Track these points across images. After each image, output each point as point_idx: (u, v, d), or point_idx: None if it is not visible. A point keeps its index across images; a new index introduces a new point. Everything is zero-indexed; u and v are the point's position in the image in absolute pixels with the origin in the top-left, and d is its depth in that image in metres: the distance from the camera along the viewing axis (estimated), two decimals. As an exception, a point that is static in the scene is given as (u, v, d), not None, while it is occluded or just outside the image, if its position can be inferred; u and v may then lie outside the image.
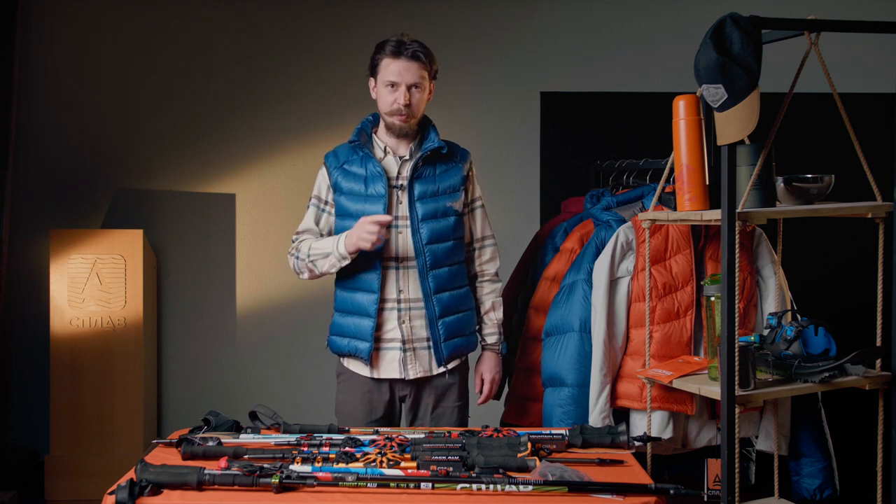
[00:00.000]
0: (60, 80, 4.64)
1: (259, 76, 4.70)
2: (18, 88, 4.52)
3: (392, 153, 2.81)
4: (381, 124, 2.84)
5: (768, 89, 2.47)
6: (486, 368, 2.95)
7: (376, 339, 2.79)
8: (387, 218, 2.65)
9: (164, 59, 4.68)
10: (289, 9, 4.70)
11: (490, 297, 2.95)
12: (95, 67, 4.66)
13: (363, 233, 2.65)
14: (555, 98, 4.70)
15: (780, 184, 2.56)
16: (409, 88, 2.72)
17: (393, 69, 2.72)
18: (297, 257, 2.84)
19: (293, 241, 2.89)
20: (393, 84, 2.73)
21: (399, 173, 2.80)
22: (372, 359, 2.80)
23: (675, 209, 2.71)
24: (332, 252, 2.74)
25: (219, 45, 4.70)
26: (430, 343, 2.81)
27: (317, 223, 2.88)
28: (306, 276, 2.85)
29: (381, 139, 2.84)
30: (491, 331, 2.95)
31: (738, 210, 2.38)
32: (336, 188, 2.82)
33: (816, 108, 3.38)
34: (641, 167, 3.42)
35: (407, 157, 2.81)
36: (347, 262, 2.74)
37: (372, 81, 2.81)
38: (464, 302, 2.87)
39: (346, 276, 2.82)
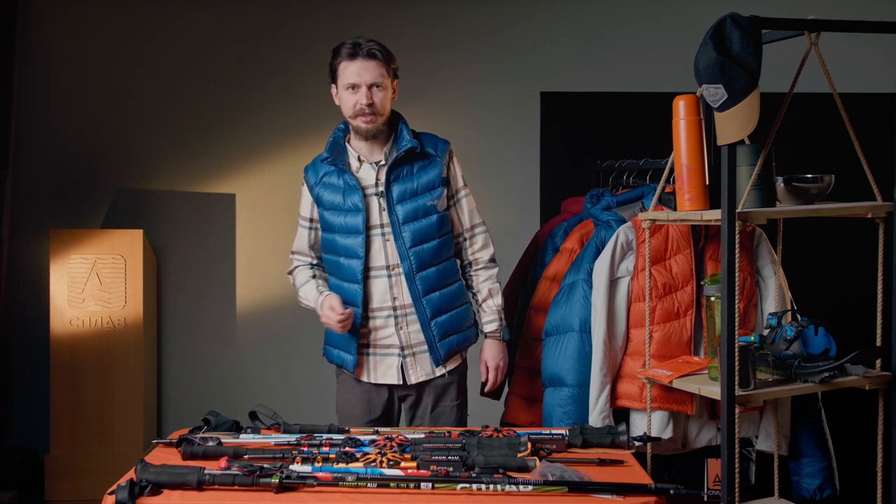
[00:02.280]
0: (60, 80, 4.64)
1: (259, 76, 4.70)
2: (18, 88, 4.52)
3: (367, 160, 2.79)
4: (352, 130, 2.82)
5: (768, 89, 2.47)
6: (489, 356, 2.91)
7: (373, 346, 2.80)
8: (340, 316, 2.70)
9: (165, 59, 4.69)
10: (289, 9, 4.70)
11: (486, 285, 2.90)
12: (95, 67, 4.66)
13: (331, 324, 2.73)
14: (555, 98, 4.70)
15: (780, 184, 2.56)
16: (369, 88, 2.70)
17: (351, 71, 2.70)
18: (294, 283, 2.95)
19: (292, 261, 2.97)
20: (353, 86, 2.70)
21: (378, 179, 2.77)
22: (370, 364, 2.80)
23: (675, 209, 2.71)
24: (316, 308, 2.82)
25: (219, 45, 4.70)
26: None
27: (310, 244, 2.91)
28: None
29: (355, 147, 2.82)
30: (490, 318, 2.91)
31: (738, 210, 2.38)
32: (319, 202, 2.82)
33: (816, 108, 3.38)
34: (641, 167, 3.42)
35: (383, 162, 2.78)
36: None
37: (333, 88, 2.79)
38: (456, 298, 2.84)
39: (334, 287, 2.85)
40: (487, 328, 2.92)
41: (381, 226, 2.76)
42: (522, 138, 4.72)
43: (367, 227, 2.75)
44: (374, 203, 2.76)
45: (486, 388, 2.97)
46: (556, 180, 4.64)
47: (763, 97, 2.33)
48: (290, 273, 2.97)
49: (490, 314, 2.91)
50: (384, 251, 2.76)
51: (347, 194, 2.76)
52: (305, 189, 2.88)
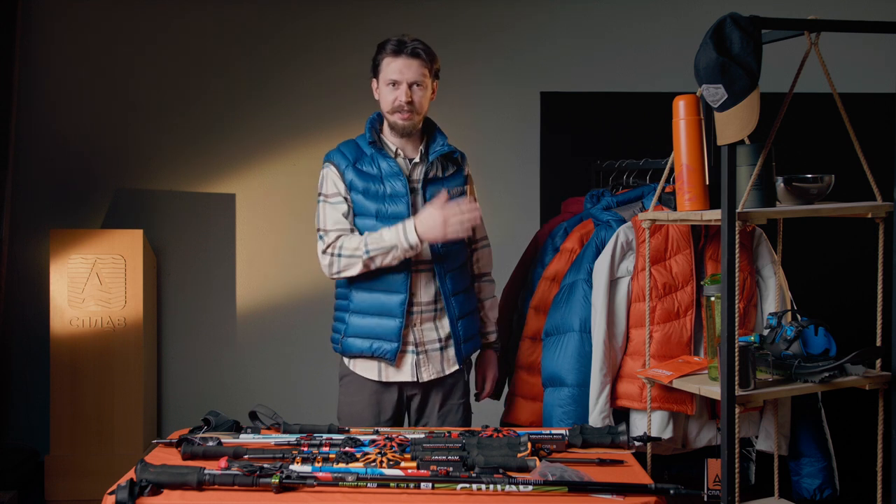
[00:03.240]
0: (60, 80, 4.64)
1: (259, 76, 4.70)
2: (18, 88, 4.52)
3: (402, 155, 2.80)
4: (385, 125, 2.82)
5: (768, 89, 2.47)
6: (488, 366, 2.99)
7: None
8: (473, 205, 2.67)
9: (164, 59, 4.69)
10: (289, 9, 4.70)
11: (488, 297, 2.97)
12: (95, 67, 4.66)
13: (451, 221, 2.61)
14: (555, 98, 4.70)
15: (780, 184, 2.56)
16: (410, 86, 2.71)
17: (394, 67, 2.71)
18: (342, 255, 2.70)
19: (321, 239, 2.75)
20: (394, 82, 2.71)
21: (411, 175, 2.79)
22: (396, 360, 2.77)
23: (675, 209, 2.71)
24: (398, 244, 2.64)
25: (219, 45, 4.70)
26: (444, 344, 2.81)
27: (347, 216, 2.75)
28: (354, 271, 2.70)
29: (389, 140, 2.82)
30: (490, 329, 2.98)
31: (738, 210, 2.38)
32: (351, 187, 2.75)
33: (816, 108, 3.38)
34: (641, 167, 3.42)
35: (417, 160, 2.79)
36: (415, 251, 2.67)
37: (374, 82, 2.79)
38: (472, 302, 2.89)
39: (368, 277, 2.74)
40: (488, 339, 2.99)
41: None
42: (522, 138, 4.72)
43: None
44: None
45: (480, 397, 3.01)
46: (556, 180, 4.64)
47: (763, 97, 2.33)
48: (327, 249, 2.71)
49: (490, 325, 2.98)
50: None
51: (388, 180, 2.74)
52: (332, 171, 2.76)
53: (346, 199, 2.76)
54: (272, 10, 4.70)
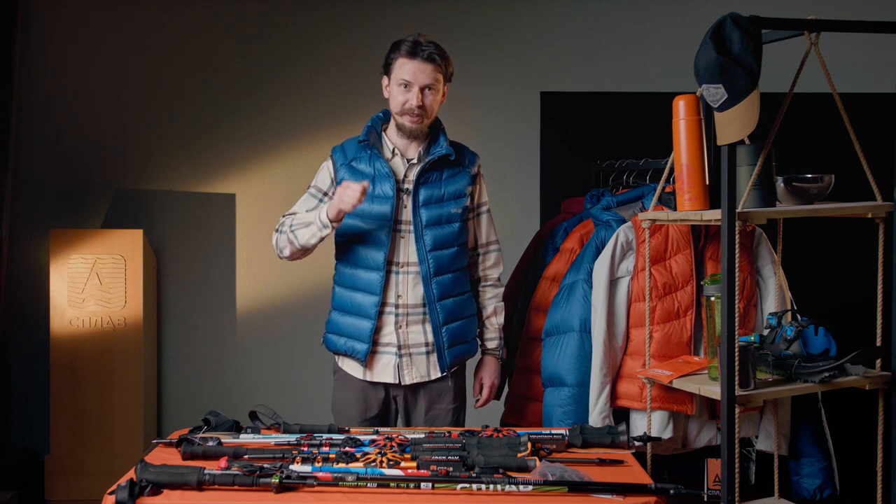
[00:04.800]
0: (60, 80, 4.64)
1: (259, 76, 4.70)
2: (18, 88, 4.52)
3: (400, 154, 2.79)
4: (392, 123, 2.81)
5: (768, 89, 2.47)
6: (486, 373, 2.94)
7: (373, 342, 2.78)
8: (365, 184, 2.60)
9: (164, 59, 4.69)
10: (289, 9, 4.70)
11: (492, 302, 2.93)
12: (95, 67, 4.66)
13: (345, 196, 2.60)
14: (555, 98, 4.70)
15: (780, 184, 2.56)
16: (422, 90, 2.70)
17: (408, 69, 2.70)
18: (280, 231, 2.79)
19: (282, 222, 2.83)
20: (406, 84, 2.70)
21: (406, 176, 2.77)
22: (367, 361, 2.79)
23: (675, 209, 2.71)
24: (314, 221, 2.69)
25: (219, 45, 4.70)
26: (432, 349, 2.80)
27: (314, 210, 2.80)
28: (287, 252, 2.78)
29: (391, 139, 2.81)
30: (492, 335, 2.94)
31: (738, 210, 2.39)
32: (340, 184, 2.79)
33: (816, 108, 3.38)
34: (641, 167, 3.42)
35: (415, 161, 2.78)
36: (328, 231, 2.68)
37: (385, 80, 2.78)
38: (466, 308, 2.86)
39: (347, 275, 2.81)
40: (489, 345, 2.95)
41: (399, 221, 2.75)
42: (522, 138, 4.72)
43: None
44: (398, 197, 2.76)
45: (478, 405, 2.99)
46: (556, 180, 4.65)
47: (763, 97, 2.33)
48: (277, 228, 2.81)
49: (493, 331, 2.94)
50: (398, 247, 2.76)
51: (378, 181, 2.74)
52: (329, 166, 2.82)
53: (324, 193, 2.81)
54: (272, 9, 4.70)
